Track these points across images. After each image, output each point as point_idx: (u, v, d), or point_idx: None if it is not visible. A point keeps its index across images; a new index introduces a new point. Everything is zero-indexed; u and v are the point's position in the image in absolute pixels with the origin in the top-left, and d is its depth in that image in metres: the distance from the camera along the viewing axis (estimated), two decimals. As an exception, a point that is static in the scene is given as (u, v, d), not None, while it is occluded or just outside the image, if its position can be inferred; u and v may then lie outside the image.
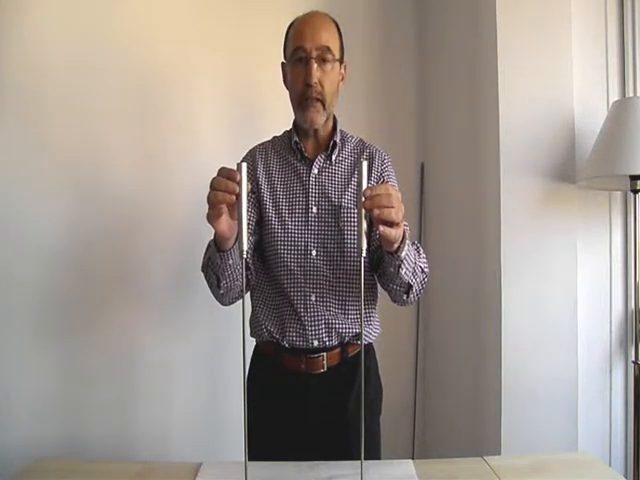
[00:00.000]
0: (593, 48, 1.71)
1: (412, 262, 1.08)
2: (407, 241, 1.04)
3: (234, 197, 0.87)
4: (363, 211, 0.89)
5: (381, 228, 0.93)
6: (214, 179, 0.90)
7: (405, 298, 1.14)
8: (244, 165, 0.86)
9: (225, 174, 0.88)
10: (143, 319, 1.88)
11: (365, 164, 0.88)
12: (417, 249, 1.13)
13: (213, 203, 0.90)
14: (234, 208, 0.91)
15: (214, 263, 1.07)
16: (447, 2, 2.11)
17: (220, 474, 1.01)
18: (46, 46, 1.79)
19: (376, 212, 0.90)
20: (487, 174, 1.80)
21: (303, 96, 1.18)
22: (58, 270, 1.81)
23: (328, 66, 1.17)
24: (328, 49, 1.16)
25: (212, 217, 0.92)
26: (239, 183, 0.86)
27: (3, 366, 1.76)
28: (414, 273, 1.09)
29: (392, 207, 0.91)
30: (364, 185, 0.88)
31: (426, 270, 1.14)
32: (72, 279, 1.82)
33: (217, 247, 1.04)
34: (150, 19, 1.89)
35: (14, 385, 1.76)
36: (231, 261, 1.05)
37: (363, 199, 0.88)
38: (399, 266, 1.05)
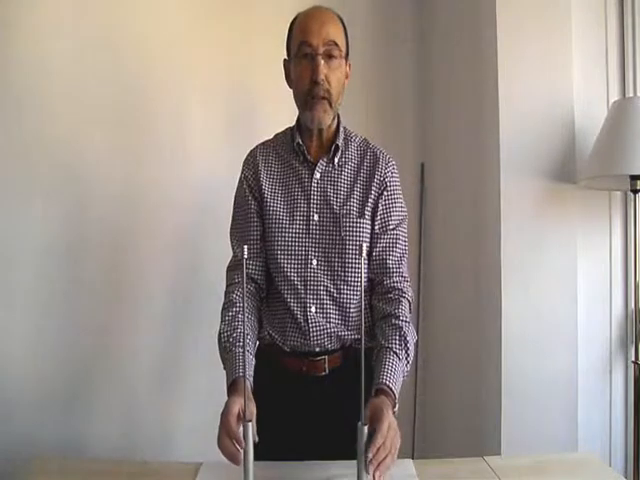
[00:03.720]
0: (593, 48, 1.71)
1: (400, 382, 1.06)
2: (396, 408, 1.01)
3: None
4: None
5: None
6: (220, 443, 0.92)
7: None
8: (250, 425, 0.90)
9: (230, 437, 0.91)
10: (144, 319, 1.88)
11: (365, 430, 0.87)
12: (407, 357, 1.08)
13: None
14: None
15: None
16: (447, 2, 2.11)
17: (220, 474, 1.01)
18: (43, 47, 1.79)
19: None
20: (487, 174, 1.80)
21: (309, 94, 1.12)
22: (58, 270, 1.81)
23: (335, 62, 1.13)
24: (335, 44, 1.12)
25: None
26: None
27: (4, 366, 1.76)
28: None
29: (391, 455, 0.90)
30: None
31: (411, 355, 1.10)
32: (72, 278, 1.82)
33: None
34: (148, 19, 1.88)
35: (14, 385, 1.76)
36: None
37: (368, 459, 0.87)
38: None
